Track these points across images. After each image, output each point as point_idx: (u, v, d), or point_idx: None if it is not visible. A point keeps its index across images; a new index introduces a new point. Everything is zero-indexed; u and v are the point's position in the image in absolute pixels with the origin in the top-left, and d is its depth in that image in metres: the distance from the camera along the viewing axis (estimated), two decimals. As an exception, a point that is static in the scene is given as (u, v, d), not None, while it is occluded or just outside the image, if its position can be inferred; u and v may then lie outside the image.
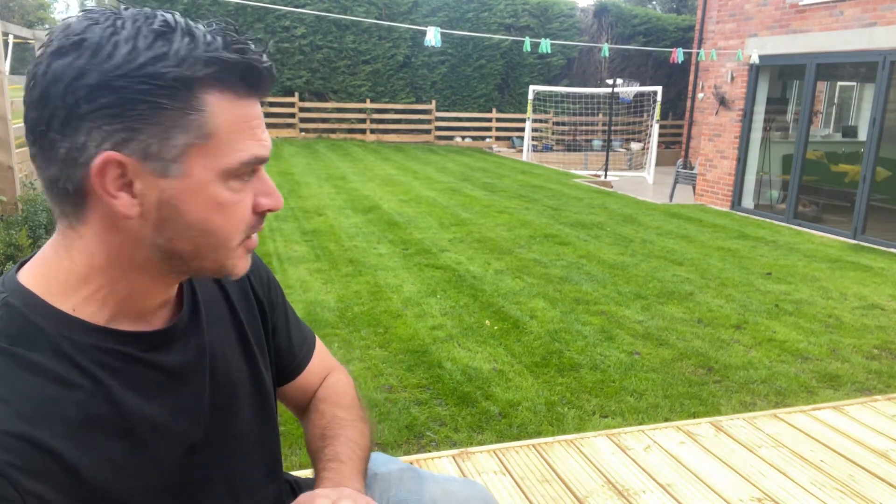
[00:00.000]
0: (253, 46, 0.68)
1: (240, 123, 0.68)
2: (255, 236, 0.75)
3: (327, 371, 1.08)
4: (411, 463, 2.29)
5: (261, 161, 0.70)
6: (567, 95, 16.48)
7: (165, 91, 0.63)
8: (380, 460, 1.12)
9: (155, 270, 0.71)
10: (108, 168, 0.63)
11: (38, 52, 0.66)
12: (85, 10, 0.66)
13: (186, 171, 0.66)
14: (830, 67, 8.69)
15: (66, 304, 0.68)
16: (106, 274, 0.69)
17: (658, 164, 13.78)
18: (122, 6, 0.68)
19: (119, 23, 0.63)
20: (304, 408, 1.05)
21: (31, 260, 0.72)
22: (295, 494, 1.00)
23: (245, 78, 0.67)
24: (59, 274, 0.69)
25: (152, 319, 0.76)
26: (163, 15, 0.65)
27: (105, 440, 0.67)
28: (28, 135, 0.66)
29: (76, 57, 0.62)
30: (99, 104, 0.61)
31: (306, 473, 2.22)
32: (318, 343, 1.09)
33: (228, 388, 0.84)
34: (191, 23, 0.66)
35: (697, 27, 15.25)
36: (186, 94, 0.64)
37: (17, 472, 0.60)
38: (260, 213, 0.73)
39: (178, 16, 0.66)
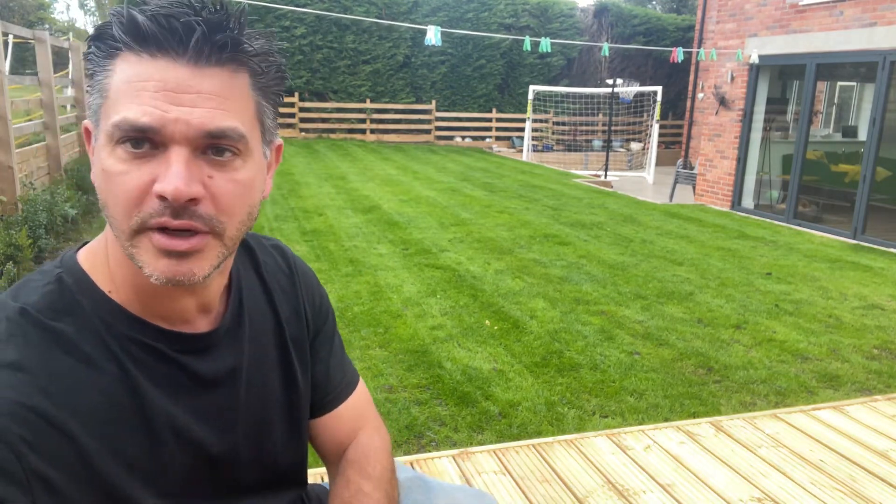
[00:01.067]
0: (182, 6, 0.64)
1: (129, 83, 0.63)
2: (163, 238, 0.64)
3: (362, 421, 0.99)
4: (411, 463, 2.29)
5: (134, 127, 0.62)
6: (567, 95, 16.49)
7: (92, 54, 0.66)
8: None
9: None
10: (86, 135, 0.69)
11: None
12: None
13: (98, 134, 0.67)
14: (830, 67, 8.69)
15: (105, 284, 0.71)
16: (118, 250, 0.70)
17: (658, 164, 13.78)
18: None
19: None
20: (327, 455, 0.98)
21: (94, 240, 0.75)
22: (302, 500, 0.99)
23: (139, 35, 0.63)
24: (98, 252, 0.73)
25: (194, 322, 0.75)
26: None
27: (122, 432, 0.67)
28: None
29: None
30: (86, 73, 0.67)
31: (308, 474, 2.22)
32: (361, 388, 1.01)
33: (260, 406, 0.82)
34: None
35: (697, 27, 15.25)
36: (105, 55, 0.65)
37: (27, 447, 0.59)
38: (159, 197, 0.63)
39: None
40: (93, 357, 0.66)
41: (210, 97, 0.64)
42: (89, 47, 0.66)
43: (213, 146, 0.65)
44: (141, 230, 0.64)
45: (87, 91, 0.68)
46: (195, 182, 0.63)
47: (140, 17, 0.62)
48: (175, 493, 0.72)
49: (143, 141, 0.63)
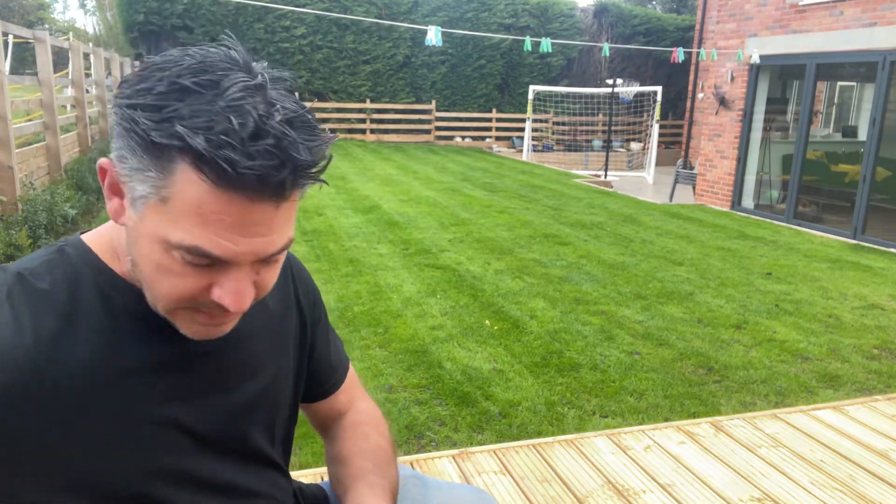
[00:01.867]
0: (288, 145, 0.59)
1: (200, 210, 0.60)
2: (208, 319, 0.68)
3: (356, 390, 1.07)
4: (411, 463, 2.29)
5: (204, 255, 0.62)
6: (567, 95, 16.49)
7: (150, 141, 0.59)
8: None
9: None
10: (103, 170, 0.67)
11: None
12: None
13: (143, 214, 0.64)
14: (830, 67, 8.69)
15: (114, 263, 0.73)
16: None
17: (658, 164, 13.78)
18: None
19: (197, 57, 0.62)
20: (327, 427, 1.04)
21: (102, 226, 0.77)
22: (298, 500, 1.00)
23: (221, 174, 0.58)
24: (104, 236, 0.75)
25: None
26: (237, 73, 0.61)
27: (100, 396, 0.69)
28: None
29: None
30: (119, 118, 0.62)
31: (305, 474, 2.22)
32: (350, 367, 1.09)
33: (246, 387, 0.84)
34: (284, 111, 0.60)
35: (697, 27, 15.26)
36: (166, 155, 0.60)
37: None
38: (215, 301, 0.65)
39: (256, 79, 0.61)
40: (80, 322, 0.68)
41: (281, 226, 0.64)
42: (132, 107, 0.60)
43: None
44: (183, 309, 0.68)
45: (119, 142, 0.63)
46: (251, 291, 0.67)
47: (229, 168, 0.57)
48: (150, 466, 0.73)
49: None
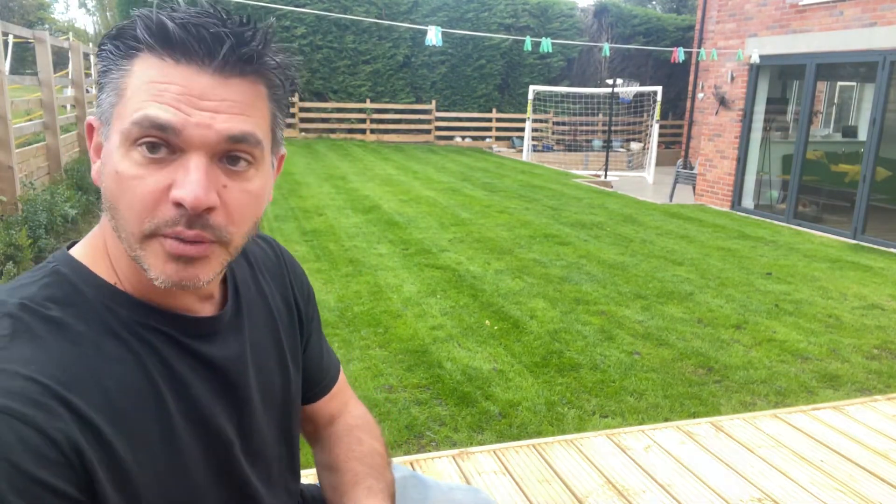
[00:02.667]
0: (212, 17, 0.64)
1: (151, 83, 0.63)
2: (175, 243, 0.64)
3: (347, 394, 1.06)
4: (411, 463, 2.29)
5: (155, 124, 0.62)
6: (567, 95, 16.49)
7: (110, 51, 0.65)
8: None
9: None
10: (89, 131, 0.68)
11: None
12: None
13: (109, 133, 0.66)
14: (830, 67, 8.69)
15: (111, 276, 0.70)
16: (118, 247, 0.69)
17: (658, 164, 13.78)
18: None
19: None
20: (318, 432, 1.02)
21: (87, 236, 0.74)
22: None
23: (167, 40, 0.63)
24: (96, 246, 0.72)
25: (198, 309, 0.75)
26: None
27: (141, 418, 0.66)
28: None
29: None
30: (98, 70, 0.67)
31: (305, 474, 2.22)
32: (341, 371, 1.07)
33: (265, 391, 0.83)
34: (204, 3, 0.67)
35: (697, 27, 15.26)
36: (123, 55, 0.65)
37: (61, 434, 0.59)
38: (175, 204, 0.63)
39: None
40: (102, 345, 0.65)
41: (232, 104, 0.65)
42: (105, 44, 0.66)
43: (229, 155, 0.66)
44: (153, 236, 0.64)
45: (98, 87, 0.68)
46: (212, 190, 0.64)
47: (170, 23, 0.62)
48: (188, 481, 0.72)
49: (161, 145, 0.63)
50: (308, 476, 2.17)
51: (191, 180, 0.62)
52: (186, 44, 0.63)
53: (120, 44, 0.65)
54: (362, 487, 0.89)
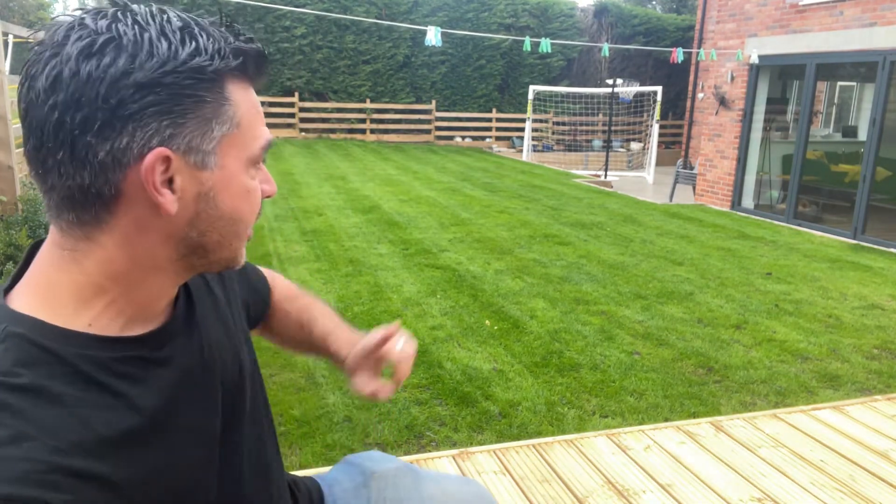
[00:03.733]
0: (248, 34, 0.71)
1: (253, 110, 0.70)
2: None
3: (276, 283, 1.14)
4: (411, 463, 2.29)
5: (271, 145, 0.74)
6: (567, 95, 16.48)
7: (207, 84, 0.65)
8: (377, 458, 1.12)
9: (173, 269, 0.70)
10: (157, 165, 0.62)
11: (34, 55, 0.62)
12: (86, 9, 0.64)
13: (221, 161, 0.67)
14: (830, 67, 8.69)
15: (81, 321, 0.65)
16: (125, 279, 0.66)
17: (658, 164, 13.78)
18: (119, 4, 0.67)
19: (140, 19, 0.63)
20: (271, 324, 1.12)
21: (21, 284, 0.67)
22: (293, 494, 1.01)
23: (257, 66, 0.70)
24: (70, 291, 0.65)
25: (156, 319, 0.73)
26: (170, 10, 0.67)
27: (143, 451, 0.65)
28: (51, 140, 0.61)
29: (114, 57, 0.60)
30: (146, 102, 0.60)
31: (305, 474, 2.22)
32: (259, 268, 1.13)
33: (233, 375, 0.83)
34: (194, 17, 0.67)
35: (697, 27, 15.26)
36: (220, 85, 0.66)
37: None
38: (265, 198, 0.76)
39: (178, 11, 0.68)
40: (84, 397, 0.62)
41: None
42: (165, 76, 0.61)
43: None
44: None
45: (170, 117, 0.63)
46: None
47: (247, 47, 0.68)
48: (207, 481, 0.73)
49: None
50: (307, 472, 2.17)
51: (270, 177, 0.76)
52: (262, 70, 0.71)
53: (204, 74, 0.64)
54: (316, 344, 1.10)
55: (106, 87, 0.59)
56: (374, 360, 1.03)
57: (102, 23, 0.61)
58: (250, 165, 0.70)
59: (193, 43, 0.63)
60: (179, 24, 0.64)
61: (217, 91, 0.65)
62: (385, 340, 1.02)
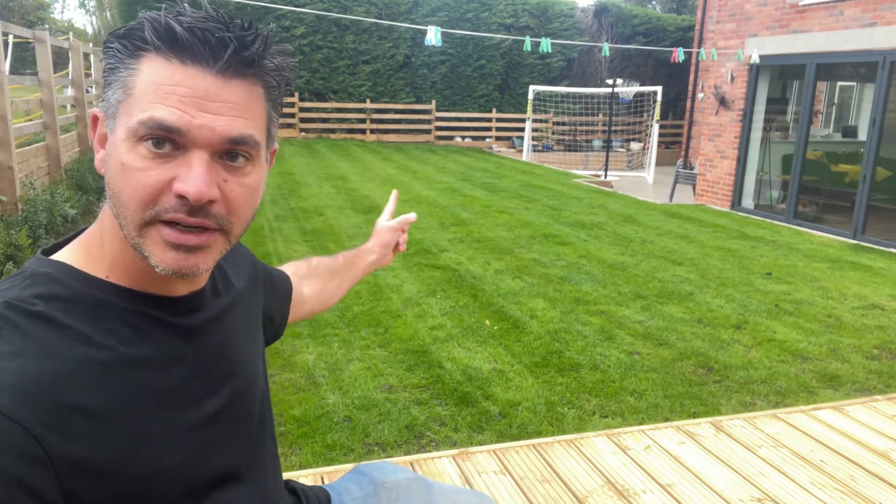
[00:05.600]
0: (216, 22, 0.68)
1: (158, 85, 0.66)
2: (174, 233, 0.68)
3: (294, 270, 1.20)
4: (411, 463, 2.29)
5: (161, 126, 0.65)
6: (567, 95, 16.48)
7: (119, 50, 0.68)
8: (388, 469, 1.12)
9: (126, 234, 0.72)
10: (93, 122, 0.72)
11: None
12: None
13: (115, 126, 0.69)
14: (830, 67, 8.69)
15: (100, 270, 0.72)
16: (110, 236, 0.72)
17: (658, 164, 13.78)
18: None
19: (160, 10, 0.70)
20: (305, 302, 1.20)
21: (72, 241, 0.76)
22: (301, 502, 1.01)
23: (174, 43, 0.66)
24: (91, 243, 0.74)
25: (178, 289, 0.77)
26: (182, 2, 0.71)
27: (134, 400, 0.68)
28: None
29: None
30: (105, 66, 0.70)
31: (305, 474, 2.22)
32: (282, 271, 1.17)
33: (245, 363, 0.85)
34: (189, 5, 0.70)
35: (697, 27, 15.25)
36: (132, 54, 0.68)
37: (45, 430, 0.60)
38: (178, 196, 0.67)
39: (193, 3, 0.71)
40: (92, 336, 0.67)
41: (233, 107, 0.69)
42: (112, 42, 0.69)
43: (229, 151, 0.70)
44: (152, 222, 0.68)
45: (105, 82, 0.71)
46: (213, 185, 0.68)
47: (177, 26, 0.66)
48: (195, 452, 0.74)
49: (166, 141, 0.66)
50: (308, 476, 2.17)
51: (194, 174, 0.66)
52: (193, 46, 0.66)
53: (128, 43, 0.68)
54: (348, 260, 1.31)
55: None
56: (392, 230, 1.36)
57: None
58: (133, 139, 0.66)
59: (141, 17, 0.69)
60: (164, 8, 0.69)
61: (128, 58, 0.68)
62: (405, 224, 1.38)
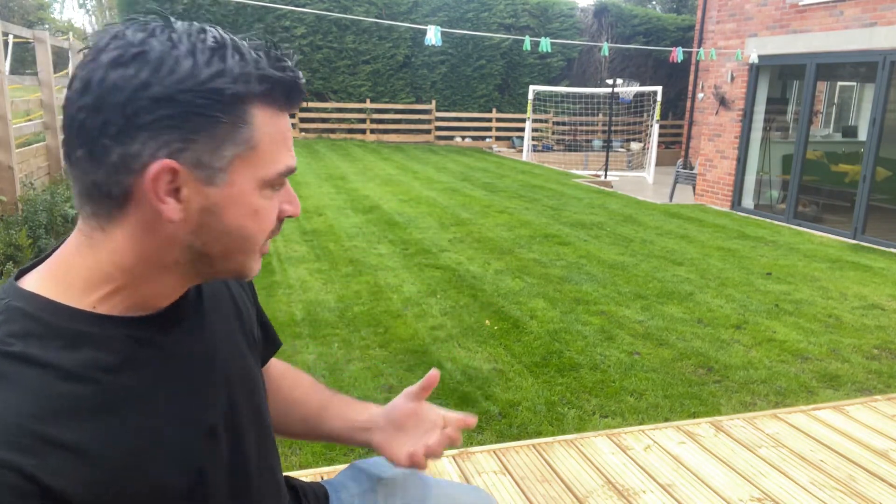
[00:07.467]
0: (289, 62, 0.72)
1: (278, 136, 0.72)
2: (269, 241, 0.77)
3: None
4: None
5: (292, 171, 0.74)
6: (567, 95, 16.49)
7: (222, 106, 0.66)
8: (385, 464, 1.12)
9: (180, 271, 0.73)
10: (162, 175, 0.65)
11: (83, 56, 0.67)
12: (133, 20, 0.68)
13: (230, 179, 0.69)
14: (830, 67, 8.69)
15: (87, 300, 0.70)
16: (131, 272, 0.70)
17: (658, 164, 13.77)
18: (171, 18, 0.70)
19: (174, 37, 0.66)
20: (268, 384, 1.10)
21: (41, 266, 0.72)
22: (300, 499, 1.01)
23: (287, 95, 0.71)
24: (80, 272, 0.70)
25: (162, 302, 0.76)
26: (212, 30, 0.69)
27: (121, 428, 0.67)
28: (75, 137, 0.66)
29: (138, 69, 0.64)
30: (159, 115, 0.64)
31: (305, 474, 2.22)
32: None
33: (237, 372, 0.85)
34: (236, 39, 0.69)
35: (697, 27, 15.25)
36: (239, 108, 0.67)
37: (36, 469, 0.60)
38: (280, 219, 0.76)
39: (223, 31, 0.70)
40: (73, 370, 0.66)
41: None
42: (193, 97, 0.65)
43: None
44: (262, 245, 0.76)
45: (181, 133, 0.66)
46: None
47: (275, 73, 0.69)
48: (188, 472, 0.73)
49: None
50: (308, 476, 2.17)
51: (294, 199, 0.77)
52: (291, 94, 0.72)
53: (217, 97, 0.66)
54: (340, 400, 1.11)
55: (126, 97, 0.64)
56: (409, 414, 1.04)
57: (139, 36, 0.66)
58: (264, 187, 0.71)
59: (220, 64, 0.66)
60: (213, 44, 0.67)
61: (235, 113, 0.67)
62: (430, 383, 1.03)
